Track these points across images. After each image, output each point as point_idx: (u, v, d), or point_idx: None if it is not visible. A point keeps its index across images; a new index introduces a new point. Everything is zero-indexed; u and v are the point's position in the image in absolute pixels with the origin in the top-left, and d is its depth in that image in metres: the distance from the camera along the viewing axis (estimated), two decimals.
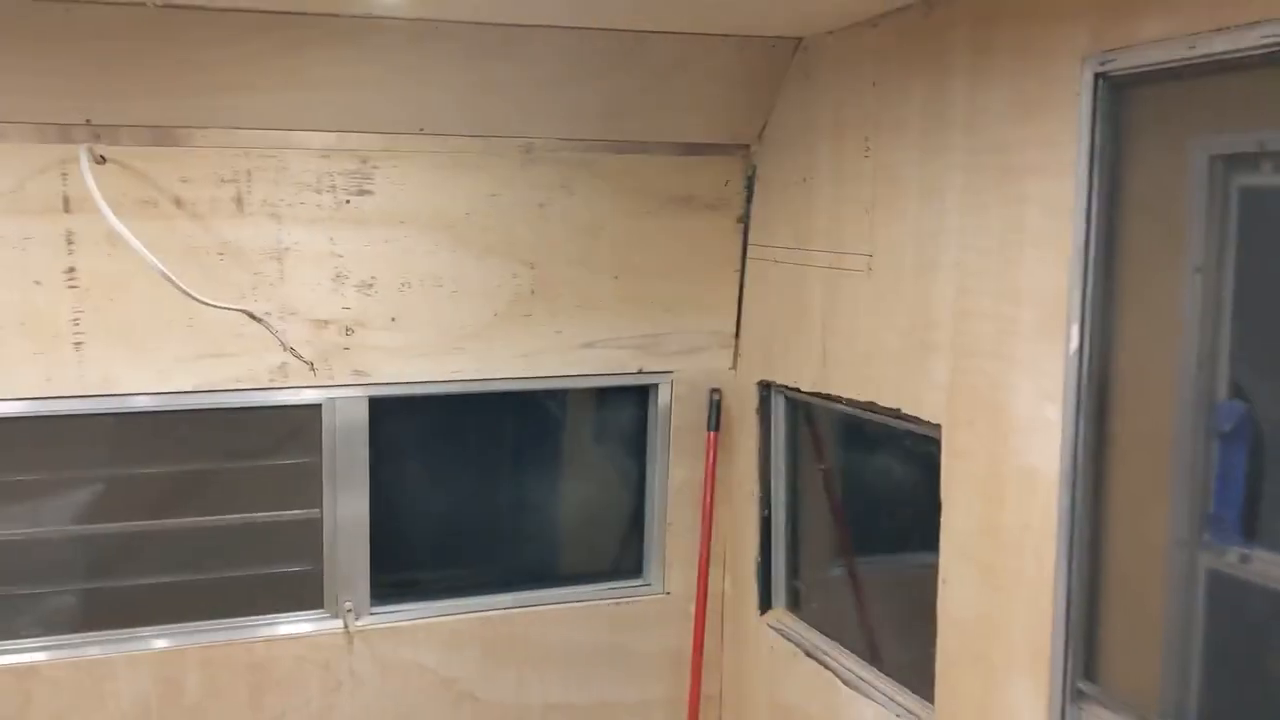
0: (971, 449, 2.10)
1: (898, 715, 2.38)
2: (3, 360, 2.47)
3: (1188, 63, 1.63)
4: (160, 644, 2.71)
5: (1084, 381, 1.84)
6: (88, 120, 2.42)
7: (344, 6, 2.32)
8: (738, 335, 3.02)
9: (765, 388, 2.91)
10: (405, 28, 2.44)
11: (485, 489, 3.06)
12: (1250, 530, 1.65)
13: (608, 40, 2.58)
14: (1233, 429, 1.65)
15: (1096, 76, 1.78)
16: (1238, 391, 1.66)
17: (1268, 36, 1.50)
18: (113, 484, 2.73)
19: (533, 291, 2.83)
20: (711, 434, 3.03)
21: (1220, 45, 1.57)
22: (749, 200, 2.95)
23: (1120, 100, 1.79)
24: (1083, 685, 1.89)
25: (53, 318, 2.48)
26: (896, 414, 2.33)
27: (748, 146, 2.91)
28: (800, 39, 2.65)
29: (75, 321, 2.49)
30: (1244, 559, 1.65)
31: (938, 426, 2.19)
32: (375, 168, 2.65)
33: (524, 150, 2.76)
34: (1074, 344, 1.84)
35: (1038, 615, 1.94)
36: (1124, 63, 1.74)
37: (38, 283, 2.46)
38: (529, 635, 2.99)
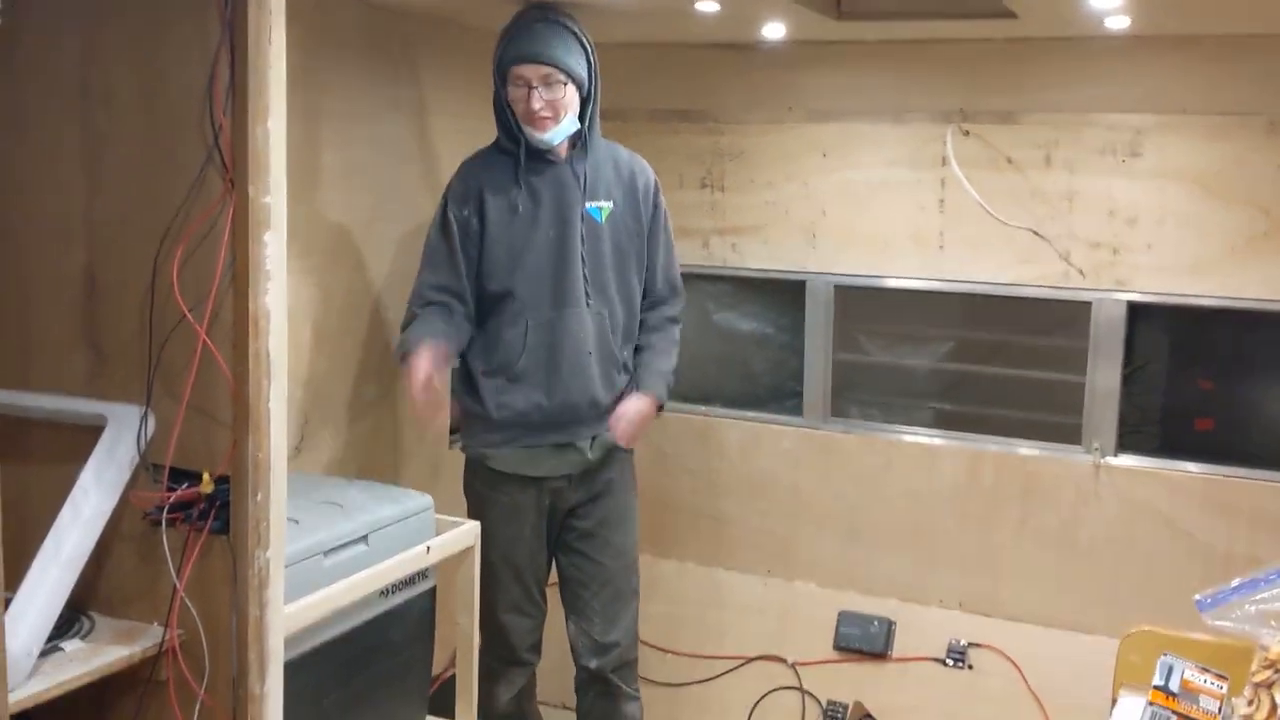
0: None
1: None
2: (900, 254, 4.11)
3: None
4: (972, 446, 4.15)
5: None
6: (960, 109, 3.93)
7: (1124, 29, 3.47)
8: None
9: None
10: (1170, 39, 3.52)
11: (1210, 384, 3.93)
12: None
13: None
14: None
15: None
16: None
17: None
18: (957, 340, 4.28)
19: (1265, 233, 3.62)
20: None
21: None
22: None
23: None
24: None
25: (928, 230, 4.06)
26: None
27: None
28: None
29: (941, 233, 4.05)
30: None
31: None
32: (1145, 137, 3.72)
33: (1267, 125, 3.57)
34: None
35: None
36: None
37: (922, 208, 4.06)
38: (1242, 502, 3.76)
